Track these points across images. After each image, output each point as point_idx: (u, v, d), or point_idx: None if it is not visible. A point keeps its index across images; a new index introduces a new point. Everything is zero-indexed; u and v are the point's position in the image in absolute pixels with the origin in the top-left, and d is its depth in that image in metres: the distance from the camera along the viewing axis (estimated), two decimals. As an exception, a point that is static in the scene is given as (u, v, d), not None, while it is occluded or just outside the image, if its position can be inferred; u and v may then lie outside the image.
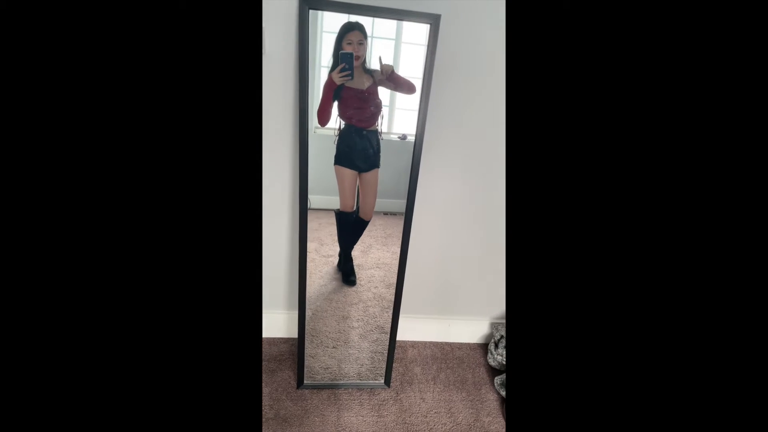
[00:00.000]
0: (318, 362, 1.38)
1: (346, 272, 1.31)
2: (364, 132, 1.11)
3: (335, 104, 1.07)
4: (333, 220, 1.17)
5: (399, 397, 1.37)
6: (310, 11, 0.96)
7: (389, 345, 1.35)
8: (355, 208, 1.22)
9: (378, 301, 1.31)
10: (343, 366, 1.39)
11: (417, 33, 0.97)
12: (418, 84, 1.02)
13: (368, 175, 1.18)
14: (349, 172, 1.17)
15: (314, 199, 1.12)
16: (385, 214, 1.15)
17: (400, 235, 1.16)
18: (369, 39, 1.02)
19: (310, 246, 1.16)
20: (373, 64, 1.05)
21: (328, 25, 1.00)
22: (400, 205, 1.13)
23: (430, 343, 1.62)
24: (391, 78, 1.04)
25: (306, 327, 1.32)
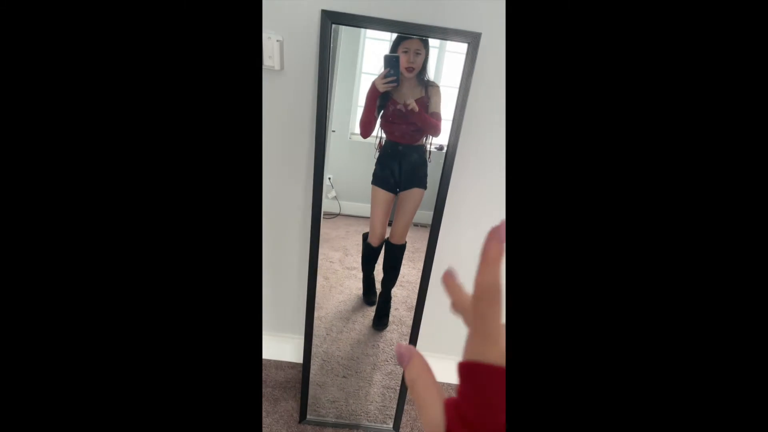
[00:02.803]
0: (325, 393, 1.28)
1: (367, 285, 1.23)
2: (400, 147, 1.03)
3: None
4: (361, 228, 1.14)
5: (409, 445, 1.23)
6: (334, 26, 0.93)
7: (402, 381, 1.25)
8: (383, 240, 1.13)
9: (397, 325, 1.23)
10: (351, 401, 1.28)
11: (461, 43, 0.94)
12: (451, 103, 0.97)
13: (406, 194, 1.08)
14: (383, 194, 1.08)
15: (345, 205, 1.11)
16: (415, 225, 1.10)
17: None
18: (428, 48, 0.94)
19: (335, 255, 1.13)
20: (433, 71, 0.98)
21: (374, 32, 0.95)
22: (430, 216, 1.08)
23: (449, 385, 1.48)
24: (415, 118, 0.98)
25: (317, 350, 1.25)
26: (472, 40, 0.92)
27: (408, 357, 0.26)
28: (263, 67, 1.03)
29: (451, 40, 0.93)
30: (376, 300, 1.22)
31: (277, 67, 1.02)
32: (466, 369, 0.23)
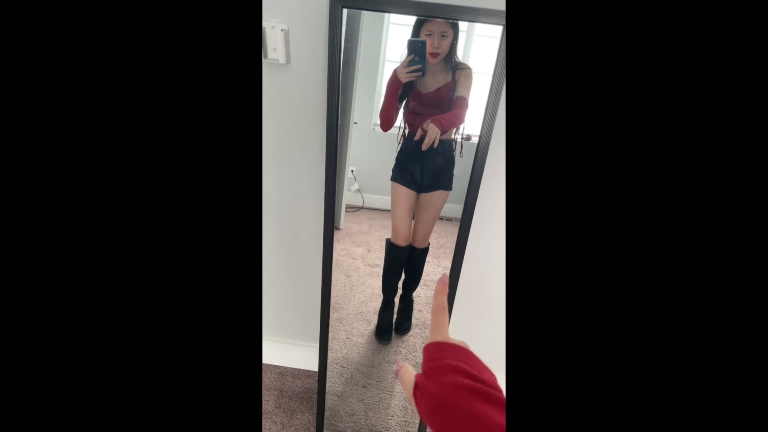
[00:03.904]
0: (344, 404, 1.20)
1: (383, 324, 1.17)
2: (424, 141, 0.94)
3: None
4: (384, 222, 1.10)
5: (433, 465, 1.12)
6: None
7: (427, 394, 1.16)
8: (409, 241, 1.06)
9: (421, 329, 1.16)
10: (371, 415, 1.20)
11: (491, 25, 0.84)
12: (486, 83, 0.87)
13: (428, 197, 1.01)
14: (404, 192, 1.00)
15: (368, 198, 1.08)
16: (440, 218, 1.04)
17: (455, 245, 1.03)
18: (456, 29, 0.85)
19: (357, 251, 1.10)
20: (461, 57, 0.89)
21: (398, 16, 0.87)
22: (458, 210, 1.00)
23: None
24: (437, 123, 0.92)
25: (336, 355, 1.19)
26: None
27: (399, 367, 0.41)
28: (267, 60, 0.93)
29: (484, 22, 0.82)
30: (390, 338, 1.16)
31: (282, 60, 0.92)
32: (426, 348, 0.39)
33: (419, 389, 0.36)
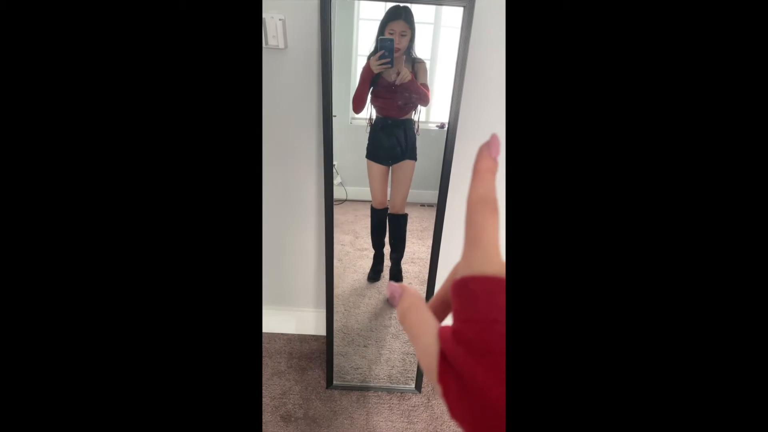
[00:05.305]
0: (349, 362, 1.36)
1: (374, 268, 1.29)
2: (390, 121, 1.09)
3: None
4: (368, 212, 1.16)
5: (430, 404, 1.32)
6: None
7: (422, 347, 1.32)
8: (386, 205, 1.18)
9: (412, 298, 1.28)
10: (374, 367, 1.36)
11: (456, 16, 0.93)
12: (450, 75, 0.97)
13: (398, 167, 1.14)
14: (377, 167, 1.14)
15: (351, 191, 1.11)
16: (422, 205, 1.11)
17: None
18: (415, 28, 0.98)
19: (345, 239, 1.16)
20: (430, 48, 1.01)
21: (366, 12, 0.98)
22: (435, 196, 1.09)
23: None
24: (408, 86, 1.03)
25: (337, 324, 1.31)
26: (467, 3, 0.91)
27: (399, 292, 0.24)
28: (268, 46, 1.05)
29: (445, 4, 0.92)
30: (379, 277, 1.27)
31: (281, 45, 1.05)
32: (459, 286, 0.20)
33: (450, 369, 0.19)
